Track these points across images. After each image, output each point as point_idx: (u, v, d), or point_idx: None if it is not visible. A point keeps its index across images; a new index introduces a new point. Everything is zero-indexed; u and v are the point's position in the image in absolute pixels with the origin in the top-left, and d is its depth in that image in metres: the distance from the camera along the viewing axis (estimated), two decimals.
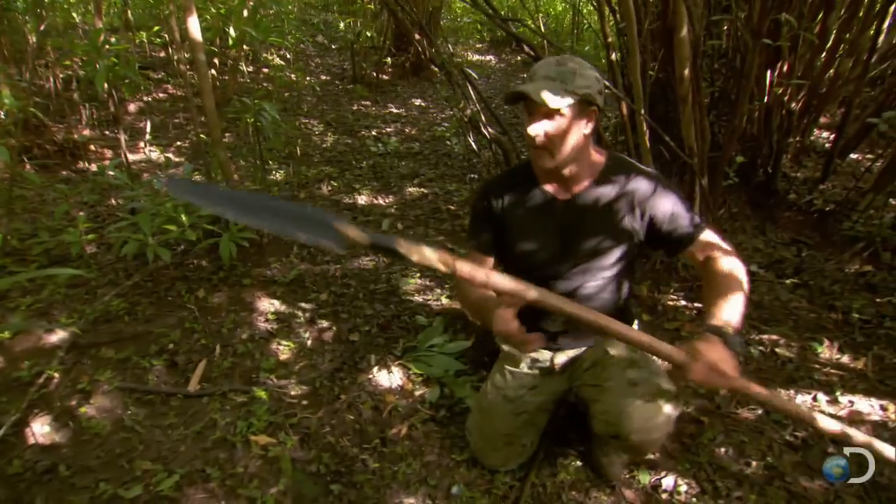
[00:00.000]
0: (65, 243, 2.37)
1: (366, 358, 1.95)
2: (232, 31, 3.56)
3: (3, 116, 3.09)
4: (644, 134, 2.05)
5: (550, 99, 1.08)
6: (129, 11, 3.71)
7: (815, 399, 1.72)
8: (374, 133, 4.23)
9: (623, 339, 0.92)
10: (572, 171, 1.21)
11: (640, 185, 1.20)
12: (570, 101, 1.10)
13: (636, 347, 0.96)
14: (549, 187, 1.26)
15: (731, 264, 1.13)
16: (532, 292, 0.89)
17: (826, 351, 1.94)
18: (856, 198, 2.72)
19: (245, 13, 4.15)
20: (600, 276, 1.28)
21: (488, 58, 6.92)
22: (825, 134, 3.72)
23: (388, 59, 5.86)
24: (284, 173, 3.44)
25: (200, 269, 2.44)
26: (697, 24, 1.80)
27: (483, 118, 2.92)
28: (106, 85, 3.26)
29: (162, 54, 5.17)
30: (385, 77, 5.78)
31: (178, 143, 3.93)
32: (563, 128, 1.12)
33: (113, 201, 3.05)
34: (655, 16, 2.08)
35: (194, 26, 2.14)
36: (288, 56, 5.63)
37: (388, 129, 4.34)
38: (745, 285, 1.09)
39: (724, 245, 1.18)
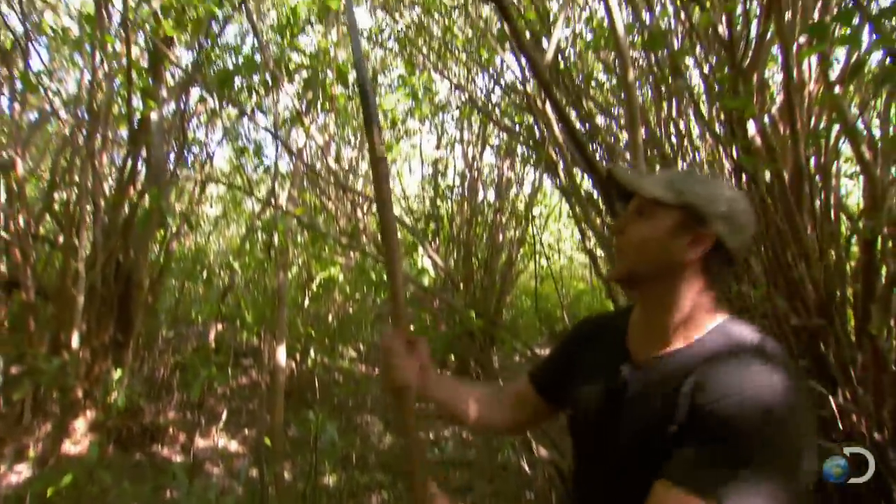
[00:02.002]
0: None
1: None
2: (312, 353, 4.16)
3: (118, 405, 3.50)
4: None
5: (636, 183, 0.81)
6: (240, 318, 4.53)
7: None
8: (431, 436, 4.28)
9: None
10: (656, 320, 0.82)
11: (719, 382, 0.71)
12: (670, 198, 0.79)
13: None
14: (632, 340, 0.88)
15: None
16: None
17: None
18: None
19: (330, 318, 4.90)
20: (627, 490, 0.77)
21: (546, 351, 7.29)
22: None
23: (452, 356, 6.33)
24: (337, 478, 3.44)
25: None
26: None
27: (533, 441, 2.94)
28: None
29: (257, 343, 5.93)
30: (448, 373, 6.16)
31: (248, 430, 4.16)
32: (645, 232, 0.81)
33: (168, 493, 3.12)
34: None
35: (281, 354, 2.56)
36: (362, 349, 6.26)
37: (446, 433, 4.38)
38: None
39: None
